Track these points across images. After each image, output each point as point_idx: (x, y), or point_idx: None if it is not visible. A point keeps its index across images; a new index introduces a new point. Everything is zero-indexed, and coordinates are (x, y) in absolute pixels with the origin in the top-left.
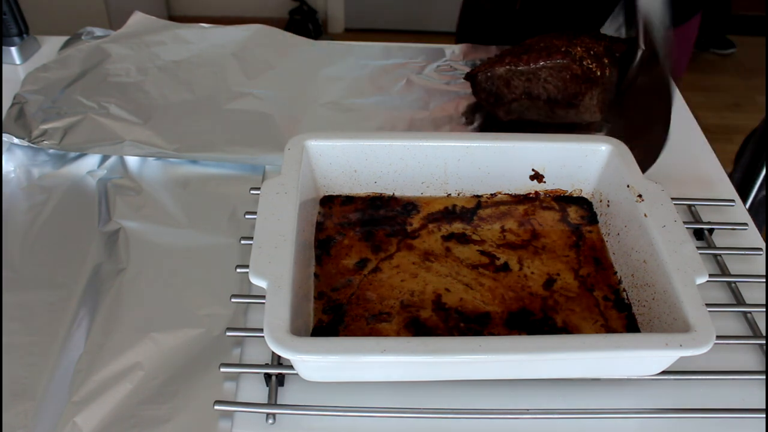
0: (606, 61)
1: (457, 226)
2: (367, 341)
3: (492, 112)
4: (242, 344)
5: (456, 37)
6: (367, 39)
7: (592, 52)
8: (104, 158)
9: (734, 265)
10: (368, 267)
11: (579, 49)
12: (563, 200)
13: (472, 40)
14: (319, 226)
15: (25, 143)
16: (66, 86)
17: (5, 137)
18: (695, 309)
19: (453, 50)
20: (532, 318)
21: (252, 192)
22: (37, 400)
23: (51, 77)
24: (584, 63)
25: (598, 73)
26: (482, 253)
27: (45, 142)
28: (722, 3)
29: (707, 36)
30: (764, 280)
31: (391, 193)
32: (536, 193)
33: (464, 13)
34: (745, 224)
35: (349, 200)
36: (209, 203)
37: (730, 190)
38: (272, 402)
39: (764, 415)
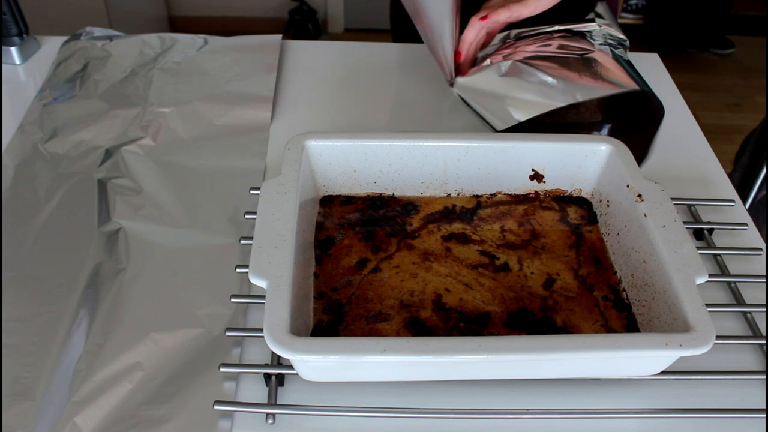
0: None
1: (457, 226)
2: (367, 341)
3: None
4: (242, 344)
5: (392, 36)
6: (367, 39)
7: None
8: (104, 158)
9: (734, 265)
10: (368, 267)
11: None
12: (563, 200)
13: (407, 39)
14: (319, 226)
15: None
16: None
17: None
18: (695, 309)
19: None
20: (532, 318)
21: (252, 192)
22: (37, 400)
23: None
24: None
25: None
26: (482, 253)
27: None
28: (722, 3)
29: (707, 36)
30: (764, 280)
31: (391, 193)
32: (536, 193)
33: (394, 12)
34: (745, 224)
35: (348, 200)
36: (209, 203)
37: (730, 190)
38: (272, 402)
39: (764, 415)
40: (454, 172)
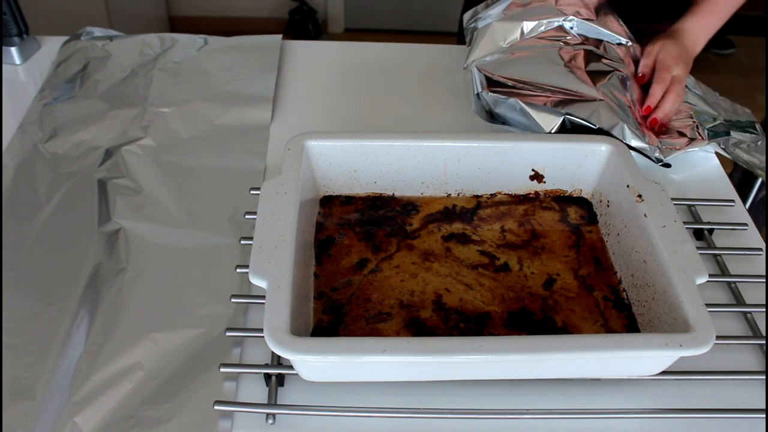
0: None
1: (457, 227)
2: (367, 341)
3: None
4: (242, 344)
5: (458, 38)
6: (367, 39)
7: None
8: (104, 158)
9: (734, 265)
10: (368, 267)
11: None
12: (563, 200)
13: None
14: (319, 226)
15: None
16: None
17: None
18: (695, 309)
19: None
20: (532, 318)
21: (252, 192)
22: (37, 400)
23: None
24: None
25: None
26: (482, 253)
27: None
28: None
29: None
30: (764, 280)
31: (391, 193)
32: (536, 193)
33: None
34: (745, 224)
35: (348, 200)
36: (209, 203)
37: (730, 190)
38: (272, 402)
39: (764, 415)
40: (454, 172)
